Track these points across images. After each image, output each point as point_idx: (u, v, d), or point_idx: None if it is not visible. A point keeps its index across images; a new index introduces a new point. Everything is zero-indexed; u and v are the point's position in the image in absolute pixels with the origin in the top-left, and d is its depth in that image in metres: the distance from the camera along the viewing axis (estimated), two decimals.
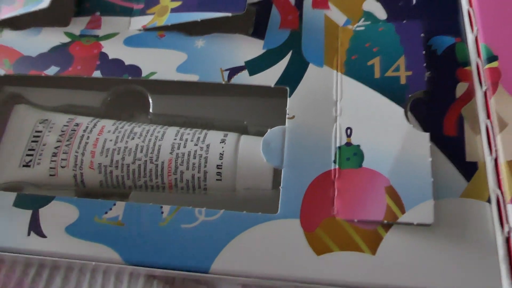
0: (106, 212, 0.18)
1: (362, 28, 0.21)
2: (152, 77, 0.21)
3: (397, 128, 0.18)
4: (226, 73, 0.21)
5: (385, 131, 0.19)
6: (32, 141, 0.21)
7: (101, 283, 0.21)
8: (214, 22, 0.21)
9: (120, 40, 0.22)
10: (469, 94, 0.20)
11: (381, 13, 0.22)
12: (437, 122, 0.19)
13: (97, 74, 0.22)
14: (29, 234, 0.18)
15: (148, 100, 0.22)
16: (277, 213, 0.18)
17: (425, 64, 0.20)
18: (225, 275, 0.17)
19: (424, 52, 0.20)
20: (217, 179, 0.19)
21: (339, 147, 0.19)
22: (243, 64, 0.21)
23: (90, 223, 0.18)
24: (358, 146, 0.19)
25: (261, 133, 0.20)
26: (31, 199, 0.19)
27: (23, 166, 0.20)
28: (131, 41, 0.22)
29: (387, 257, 0.17)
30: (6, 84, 0.23)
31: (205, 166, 0.19)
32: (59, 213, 0.18)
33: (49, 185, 0.20)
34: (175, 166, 0.19)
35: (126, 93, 0.22)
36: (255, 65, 0.21)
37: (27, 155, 0.20)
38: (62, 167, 0.20)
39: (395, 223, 0.17)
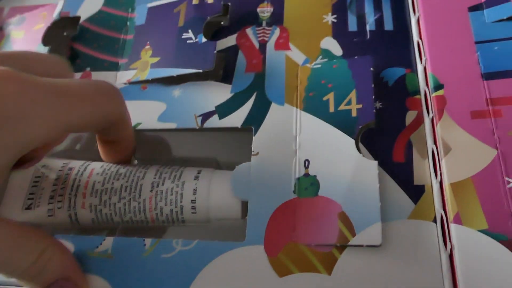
0: (97, 247, 0.21)
1: (319, 66, 0.24)
2: (138, 127, 0.24)
3: (348, 158, 0.21)
4: (199, 119, 0.23)
5: (338, 161, 0.21)
6: (33, 186, 0.24)
7: None
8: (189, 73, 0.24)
9: None
10: (418, 122, 0.22)
11: (337, 49, 0.25)
12: (387, 150, 0.21)
13: None
14: None
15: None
16: (244, 241, 0.20)
17: (373, 97, 0.22)
18: None
19: (373, 85, 0.22)
20: (192, 212, 0.21)
21: (298, 178, 0.21)
22: (213, 109, 0.24)
23: (84, 256, 0.21)
24: (315, 176, 0.21)
25: (231, 168, 0.22)
26: None
27: (25, 209, 0.23)
28: None
29: (341, 276, 0.19)
30: None
31: (181, 201, 0.21)
32: None
33: (48, 224, 0.23)
34: (155, 202, 0.22)
35: None
36: (224, 109, 0.23)
37: (28, 198, 0.23)
38: (58, 208, 0.23)
39: (347, 246, 0.19)
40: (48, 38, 0.26)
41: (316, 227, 0.20)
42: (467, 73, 0.22)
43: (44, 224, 0.23)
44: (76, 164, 0.24)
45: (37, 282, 0.18)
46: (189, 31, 0.25)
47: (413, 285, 0.18)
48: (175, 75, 0.24)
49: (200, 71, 0.24)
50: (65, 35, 0.27)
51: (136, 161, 0.25)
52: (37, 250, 0.18)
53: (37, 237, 0.19)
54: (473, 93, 0.22)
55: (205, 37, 0.25)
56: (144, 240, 0.21)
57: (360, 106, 0.22)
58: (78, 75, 0.27)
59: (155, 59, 0.25)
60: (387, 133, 0.22)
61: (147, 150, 0.24)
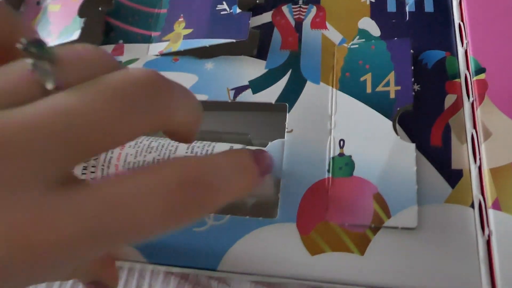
0: None
1: (356, 46, 0.23)
2: None
3: (385, 139, 0.20)
4: (232, 92, 0.23)
5: (374, 142, 0.20)
6: None
7: (125, 279, 0.24)
8: (222, 46, 0.24)
9: (140, 65, 0.25)
10: (457, 106, 0.21)
11: (375, 30, 0.24)
12: (424, 133, 0.21)
13: None
14: None
15: None
16: (276, 218, 0.20)
17: (413, 79, 0.21)
18: (231, 273, 0.19)
19: (412, 68, 0.22)
20: None
21: (333, 158, 0.21)
22: (247, 83, 0.23)
23: None
24: (350, 156, 0.20)
25: (263, 145, 0.22)
26: None
27: None
28: (149, 65, 0.25)
29: (374, 257, 0.18)
30: None
31: None
32: None
33: None
34: None
35: None
36: (258, 84, 0.23)
37: None
38: (92, 178, 0.23)
39: (382, 227, 0.19)
40: (84, 11, 0.25)
41: (350, 207, 0.19)
42: (510, 57, 0.22)
43: None
44: None
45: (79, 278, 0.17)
46: (224, 2, 0.25)
47: (448, 270, 0.18)
48: (207, 46, 0.24)
49: (234, 41, 0.23)
50: (101, 9, 0.27)
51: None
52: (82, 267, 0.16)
53: None
54: None
55: (240, 9, 0.25)
56: None
57: (398, 88, 0.21)
58: (111, 47, 0.27)
59: (188, 31, 0.25)
60: (424, 116, 0.21)
61: None
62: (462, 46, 0.23)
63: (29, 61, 0.11)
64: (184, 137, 0.15)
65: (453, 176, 0.20)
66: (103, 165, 0.23)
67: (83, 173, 0.23)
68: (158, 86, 0.13)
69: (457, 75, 0.22)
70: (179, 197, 0.12)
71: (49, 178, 0.10)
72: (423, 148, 0.20)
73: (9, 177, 0.10)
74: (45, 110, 0.10)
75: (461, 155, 0.20)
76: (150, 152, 0.23)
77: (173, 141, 0.23)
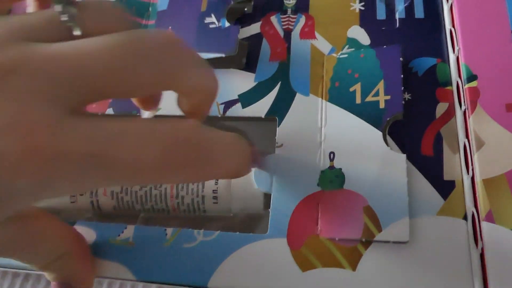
0: (119, 234, 0.21)
1: (345, 55, 0.23)
2: (158, 113, 0.24)
3: (375, 150, 0.20)
4: (221, 107, 0.23)
5: (364, 154, 0.20)
6: None
7: None
8: (210, 59, 0.24)
9: None
10: (449, 114, 0.21)
11: (364, 38, 0.24)
12: (415, 142, 0.20)
13: (109, 111, 0.24)
14: None
15: None
16: (267, 233, 0.20)
17: (402, 88, 0.21)
18: None
19: (402, 75, 0.21)
20: (213, 202, 0.21)
21: (323, 171, 0.20)
22: (236, 97, 0.23)
23: (105, 244, 0.21)
24: (340, 169, 0.20)
25: None
26: None
27: None
28: None
29: (366, 273, 0.18)
30: None
31: (202, 191, 0.21)
32: None
33: (71, 210, 0.23)
34: (177, 191, 0.22)
35: None
36: (247, 98, 0.23)
37: None
38: (80, 195, 0.23)
39: (373, 241, 0.18)
40: None
41: (340, 221, 0.19)
42: (503, 64, 0.21)
43: (67, 210, 0.23)
44: None
45: (51, 273, 0.18)
46: (212, 15, 0.25)
47: (441, 284, 0.17)
48: None
49: (223, 55, 0.23)
50: None
51: None
52: (52, 254, 0.17)
53: (58, 239, 0.18)
54: (509, 84, 0.21)
55: (228, 22, 0.25)
56: (165, 229, 0.21)
57: (388, 97, 0.21)
58: None
59: None
60: (415, 126, 0.21)
61: None
62: (454, 52, 0.22)
63: (58, 6, 0.13)
64: (196, 110, 0.16)
65: (445, 187, 0.19)
66: None
67: None
68: (174, 46, 0.14)
69: (449, 83, 0.22)
70: (177, 151, 0.13)
71: (67, 104, 0.12)
72: (414, 158, 0.20)
73: (37, 93, 0.11)
74: (70, 49, 0.12)
75: (453, 166, 0.20)
76: None
77: None
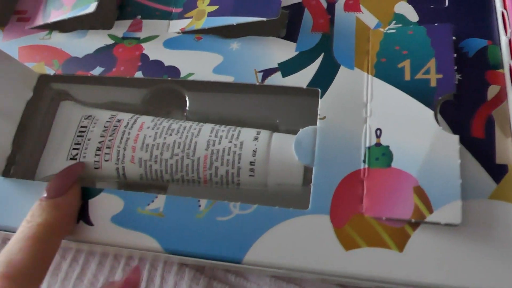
0: (148, 204, 0.20)
1: (393, 30, 0.22)
2: (190, 78, 0.22)
3: (426, 130, 0.19)
4: (260, 75, 0.22)
5: (414, 132, 0.19)
6: (78, 136, 0.22)
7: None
8: (248, 25, 0.22)
9: (160, 42, 0.24)
10: (500, 97, 0.20)
11: (412, 15, 0.23)
12: (465, 124, 0.20)
13: (138, 74, 0.23)
14: (77, 222, 0.20)
15: (185, 99, 0.23)
16: (308, 209, 0.19)
17: (455, 67, 0.20)
18: (257, 266, 0.18)
19: (454, 55, 0.20)
20: (250, 175, 0.20)
21: (369, 148, 0.19)
22: (276, 66, 0.22)
23: (134, 213, 0.20)
24: (387, 146, 0.19)
25: (291, 132, 0.21)
26: (82, 191, 0.20)
27: (70, 159, 0.22)
28: (170, 44, 0.24)
29: (414, 254, 0.17)
30: (55, 82, 0.25)
31: (238, 163, 0.20)
32: (106, 204, 0.20)
33: (93, 177, 0.22)
34: (210, 162, 0.20)
35: (164, 91, 0.24)
36: (288, 67, 0.22)
37: (74, 149, 0.22)
38: (105, 160, 0.21)
39: (423, 222, 0.18)
40: None
41: (387, 200, 0.18)
42: None
43: (89, 176, 0.22)
44: (125, 116, 0.23)
45: None
46: None
47: (492, 269, 0.17)
48: (234, 24, 0.22)
49: (264, 19, 0.22)
50: None
51: (185, 114, 0.23)
52: None
53: None
54: None
55: None
56: (199, 201, 0.19)
57: (440, 76, 0.20)
58: (127, 22, 0.25)
59: (213, 8, 0.24)
60: (465, 107, 0.20)
61: (199, 103, 0.23)
62: (506, 34, 0.21)
63: None
64: None
65: (498, 171, 0.18)
66: (119, 147, 0.21)
67: (96, 154, 0.22)
68: None
69: (500, 65, 0.21)
70: None
71: None
72: (464, 139, 0.19)
73: None
74: None
75: (505, 149, 0.19)
76: (171, 135, 0.21)
77: (195, 124, 0.22)
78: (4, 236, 0.21)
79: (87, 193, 0.20)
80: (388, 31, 0.22)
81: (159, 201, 0.20)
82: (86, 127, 0.22)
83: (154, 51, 0.23)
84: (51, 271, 0.24)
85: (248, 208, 0.19)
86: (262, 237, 0.18)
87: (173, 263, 0.23)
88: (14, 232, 0.20)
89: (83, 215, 0.20)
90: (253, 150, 0.20)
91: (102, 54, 0.24)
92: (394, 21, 0.23)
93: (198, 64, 0.23)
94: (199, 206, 0.19)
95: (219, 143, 0.21)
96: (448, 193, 0.18)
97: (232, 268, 0.22)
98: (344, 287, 0.21)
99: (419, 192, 0.18)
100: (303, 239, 0.18)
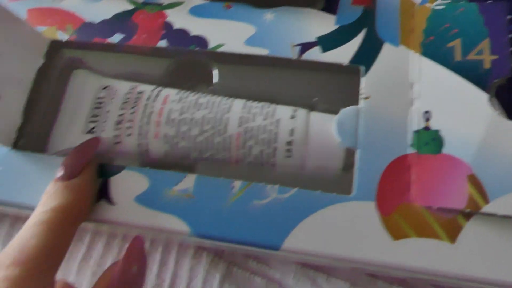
0: (176, 184, 0.18)
1: (442, 7, 0.20)
2: (220, 49, 0.20)
3: (481, 114, 0.18)
4: (297, 49, 0.20)
5: (467, 117, 0.18)
6: (95, 108, 0.20)
7: (148, 252, 0.21)
8: None
9: (185, 10, 0.22)
10: None
11: None
12: None
13: (162, 43, 0.21)
14: (98, 200, 0.18)
15: (210, 71, 0.21)
16: (352, 195, 0.17)
17: (511, 49, 0.19)
18: (297, 254, 0.17)
19: (510, 35, 0.19)
20: (286, 156, 0.19)
21: (417, 131, 0.18)
22: (314, 39, 0.20)
23: (160, 194, 0.18)
24: (437, 131, 0.18)
25: (328, 111, 0.20)
26: (102, 168, 0.19)
27: (87, 132, 0.20)
28: (196, 11, 0.22)
29: (467, 246, 0.16)
30: (67, 49, 0.22)
31: (275, 142, 0.19)
32: (130, 183, 0.18)
33: (113, 153, 0.20)
34: (244, 140, 0.19)
35: (190, 63, 0.22)
36: (328, 42, 0.20)
37: (91, 121, 0.20)
38: (127, 135, 0.20)
39: (477, 213, 0.16)
40: None
41: (439, 188, 0.17)
42: None
43: (108, 152, 0.20)
44: (147, 88, 0.21)
45: None
46: None
47: None
48: None
49: None
50: None
51: (211, 88, 0.21)
52: None
53: None
54: None
55: None
56: (232, 182, 0.18)
57: (495, 57, 0.19)
58: None
59: None
60: None
61: (228, 77, 0.21)
62: None
63: None
64: None
65: None
66: (141, 121, 0.20)
67: (116, 128, 0.20)
68: None
69: None
70: None
71: None
72: None
73: None
74: None
75: None
76: (199, 110, 0.19)
77: (225, 99, 0.20)
78: (16, 214, 0.19)
79: (108, 170, 0.19)
80: (436, 8, 0.20)
81: (188, 181, 0.18)
82: (104, 98, 0.20)
83: (178, 19, 0.21)
84: None
85: (287, 191, 0.17)
86: (302, 223, 0.17)
87: (189, 246, 0.22)
88: (25, 209, 0.18)
89: (104, 194, 0.18)
90: (291, 129, 0.19)
91: (121, 21, 0.22)
92: None
93: (228, 35, 0.21)
94: (233, 188, 0.18)
95: (253, 121, 0.19)
96: (506, 183, 0.16)
97: (252, 253, 0.21)
98: (374, 277, 0.20)
99: (474, 181, 0.17)
100: (347, 226, 0.17)
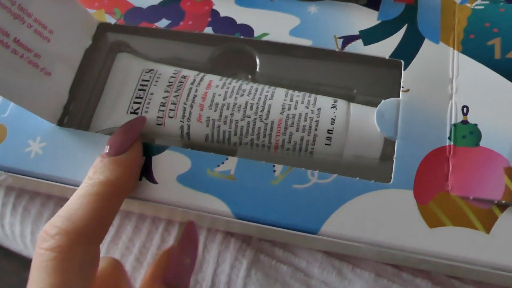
0: (218, 166, 0.19)
1: (482, 7, 0.21)
2: (265, 38, 0.21)
3: None
4: (340, 41, 0.21)
5: (505, 113, 0.18)
6: (139, 89, 0.21)
7: (175, 236, 0.21)
8: None
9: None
10: None
11: None
12: None
13: (208, 30, 0.22)
14: (140, 179, 0.19)
15: (255, 60, 0.22)
16: (390, 183, 0.18)
17: None
18: (335, 238, 0.17)
19: None
20: (326, 144, 0.19)
21: (455, 125, 0.18)
22: (357, 33, 0.21)
23: (201, 174, 0.19)
24: (475, 125, 0.18)
25: (368, 103, 0.20)
26: (145, 147, 0.19)
27: (131, 113, 0.21)
28: (242, 1, 0.22)
29: (501, 237, 0.17)
30: (114, 32, 0.23)
31: (315, 130, 0.19)
32: (172, 162, 0.19)
33: (155, 133, 0.21)
34: (285, 126, 0.19)
35: (233, 51, 0.22)
36: (370, 35, 0.21)
37: (135, 102, 0.21)
38: (170, 117, 0.20)
39: None
40: None
41: (475, 179, 0.17)
42: None
43: (150, 132, 0.21)
44: (190, 73, 0.21)
45: None
46: None
47: None
48: None
49: None
50: None
51: (249, 76, 0.22)
52: None
53: None
54: None
55: None
56: (274, 166, 0.18)
57: None
58: None
59: None
60: None
61: (270, 66, 0.22)
62: None
63: None
64: None
65: None
66: (185, 104, 0.20)
67: (160, 110, 0.20)
68: None
69: None
70: None
71: None
72: None
73: None
74: None
75: None
76: (242, 95, 0.20)
77: (268, 87, 0.21)
78: (60, 189, 0.20)
79: (151, 150, 0.19)
80: (476, 7, 0.21)
81: (230, 163, 0.19)
82: (148, 80, 0.21)
83: (225, 7, 0.22)
84: None
85: (327, 177, 0.18)
86: (340, 208, 0.18)
87: (218, 231, 0.22)
88: (70, 184, 0.19)
89: (146, 172, 0.19)
90: (332, 118, 0.19)
91: (168, 6, 0.23)
92: None
93: (273, 25, 0.21)
94: (274, 171, 0.18)
95: (295, 108, 0.20)
96: None
97: (278, 242, 0.22)
98: (398, 269, 0.21)
99: (511, 173, 0.17)
100: (384, 213, 0.17)
